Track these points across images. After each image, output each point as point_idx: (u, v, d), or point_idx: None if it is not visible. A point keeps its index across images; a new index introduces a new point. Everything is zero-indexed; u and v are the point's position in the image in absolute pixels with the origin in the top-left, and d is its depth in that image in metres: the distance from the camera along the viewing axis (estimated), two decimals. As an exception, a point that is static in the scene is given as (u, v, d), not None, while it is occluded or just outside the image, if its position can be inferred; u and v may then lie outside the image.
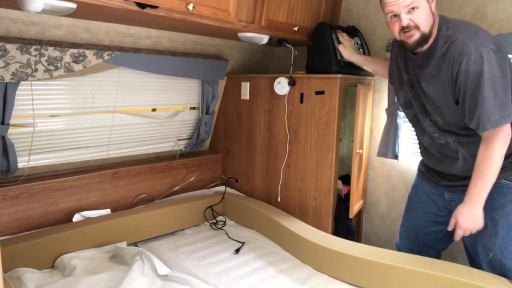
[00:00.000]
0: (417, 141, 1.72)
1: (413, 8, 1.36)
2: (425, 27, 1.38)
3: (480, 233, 1.49)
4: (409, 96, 1.59)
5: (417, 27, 1.38)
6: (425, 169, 1.72)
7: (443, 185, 1.63)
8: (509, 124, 1.35)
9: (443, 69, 1.39)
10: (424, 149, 1.68)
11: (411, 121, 1.67)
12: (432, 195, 1.70)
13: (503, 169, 1.41)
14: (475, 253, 1.54)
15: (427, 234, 1.73)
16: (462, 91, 1.35)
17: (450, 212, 1.65)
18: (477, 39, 1.33)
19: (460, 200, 1.54)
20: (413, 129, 1.70)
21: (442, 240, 1.74)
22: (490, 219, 1.46)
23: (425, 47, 1.44)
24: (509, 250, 1.46)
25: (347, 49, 2.06)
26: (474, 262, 1.59)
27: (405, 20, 1.37)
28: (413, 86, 1.56)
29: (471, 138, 1.46)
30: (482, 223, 1.43)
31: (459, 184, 1.56)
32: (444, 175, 1.62)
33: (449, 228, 1.51)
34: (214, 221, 2.29)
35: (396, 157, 2.26)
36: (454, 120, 1.46)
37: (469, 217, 1.42)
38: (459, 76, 1.34)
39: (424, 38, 1.40)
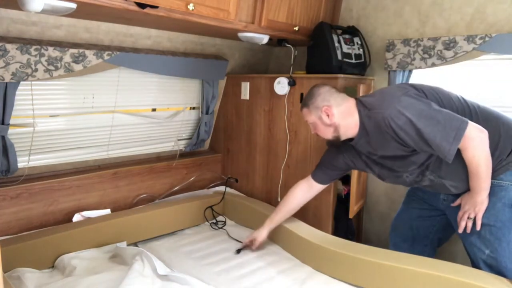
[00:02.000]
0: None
1: (312, 124, 1.65)
2: (325, 135, 1.64)
3: (476, 232, 1.52)
4: (376, 171, 1.67)
5: (320, 135, 1.66)
6: None
7: None
8: (472, 127, 1.39)
9: (383, 138, 1.49)
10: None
11: (393, 183, 1.76)
12: (428, 193, 1.74)
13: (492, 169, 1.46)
14: (472, 252, 1.56)
15: (421, 221, 1.79)
16: (412, 142, 1.44)
17: (442, 211, 1.70)
18: (386, 102, 1.48)
19: (453, 200, 1.61)
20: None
21: (437, 229, 1.78)
22: (484, 217, 1.50)
23: (356, 130, 1.56)
24: (503, 247, 1.47)
25: (259, 236, 1.89)
26: (473, 262, 1.60)
27: (312, 131, 1.69)
28: (374, 161, 1.64)
29: (444, 163, 1.49)
30: (484, 207, 1.49)
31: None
32: None
33: (454, 204, 1.59)
34: (214, 221, 2.29)
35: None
36: (423, 158, 1.52)
37: (472, 202, 1.50)
38: (399, 134, 1.43)
39: (332, 141, 1.65)
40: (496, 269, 1.49)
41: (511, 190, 1.47)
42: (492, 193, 1.48)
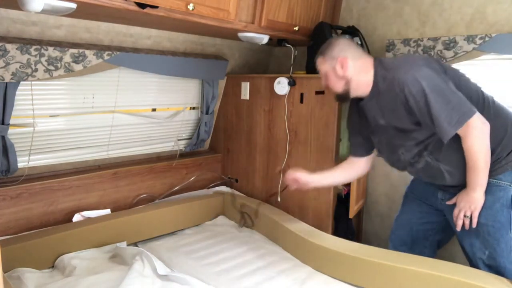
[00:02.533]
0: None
1: (324, 75, 1.62)
2: (335, 88, 1.61)
3: (475, 232, 1.52)
4: (376, 140, 1.67)
5: (330, 88, 1.63)
6: None
7: (437, 184, 1.65)
8: (477, 117, 1.39)
9: (392, 102, 1.48)
10: (413, 175, 1.73)
11: (388, 161, 1.73)
12: (426, 192, 1.73)
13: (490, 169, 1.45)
14: (472, 252, 1.56)
15: (420, 224, 1.77)
16: (418, 112, 1.43)
17: (441, 211, 1.69)
18: (406, 67, 1.46)
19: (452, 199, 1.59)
20: (398, 170, 1.73)
21: (436, 231, 1.76)
22: (481, 217, 1.49)
23: (368, 89, 1.55)
24: (502, 248, 1.47)
25: (304, 179, 1.77)
26: (472, 262, 1.60)
27: (323, 82, 1.66)
28: (377, 129, 1.63)
29: (444, 145, 1.48)
30: (480, 205, 1.48)
31: (453, 188, 1.59)
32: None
33: (449, 202, 1.58)
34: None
35: (396, 157, 2.26)
36: (422, 135, 1.51)
37: (467, 199, 1.49)
38: (409, 100, 1.43)
39: (341, 96, 1.62)
40: (495, 270, 1.49)
41: (509, 190, 1.47)
42: (490, 193, 1.48)
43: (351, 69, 1.54)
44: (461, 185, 1.53)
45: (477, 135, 1.39)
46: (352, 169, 1.81)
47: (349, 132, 1.83)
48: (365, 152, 1.78)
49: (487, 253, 1.50)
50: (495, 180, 1.48)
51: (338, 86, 1.59)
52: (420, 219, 1.77)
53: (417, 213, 1.77)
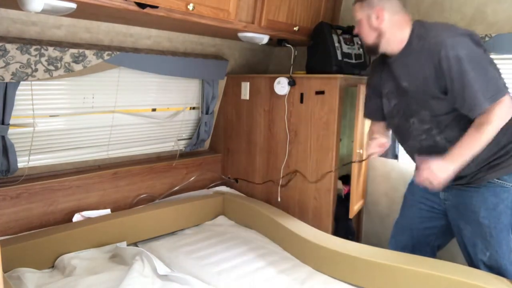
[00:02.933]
0: (408, 155, 1.73)
1: (358, 22, 1.58)
2: (366, 38, 1.57)
3: (477, 233, 1.51)
4: (392, 103, 1.63)
5: (361, 36, 1.60)
6: None
7: None
8: (508, 97, 1.35)
9: (423, 63, 1.44)
10: (413, 155, 1.69)
11: (395, 131, 1.70)
12: (427, 193, 1.70)
13: (495, 167, 1.44)
14: (474, 253, 1.55)
15: (421, 229, 1.74)
16: (449, 78, 1.38)
17: (444, 211, 1.66)
18: (448, 31, 1.41)
19: (455, 199, 1.57)
20: (400, 141, 1.71)
21: (436, 236, 1.74)
22: (484, 219, 1.48)
23: (400, 47, 1.51)
24: (503, 250, 1.47)
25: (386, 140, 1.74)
26: (472, 263, 1.59)
27: (355, 29, 1.61)
28: (397, 91, 1.59)
29: (458, 126, 1.45)
30: (445, 180, 1.41)
31: (455, 183, 1.56)
32: None
33: (418, 177, 1.49)
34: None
35: (396, 157, 2.26)
36: (442, 108, 1.46)
37: (440, 166, 1.41)
38: (442, 64, 1.38)
39: (370, 47, 1.59)
40: (496, 271, 1.48)
41: None
42: (494, 194, 1.46)
43: (386, 22, 1.49)
44: (464, 177, 1.50)
45: (500, 114, 1.34)
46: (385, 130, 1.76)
47: (367, 92, 1.77)
48: (380, 115, 1.73)
49: (488, 255, 1.49)
50: (500, 181, 1.46)
51: (369, 37, 1.55)
52: (420, 224, 1.74)
53: (418, 218, 1.74)
